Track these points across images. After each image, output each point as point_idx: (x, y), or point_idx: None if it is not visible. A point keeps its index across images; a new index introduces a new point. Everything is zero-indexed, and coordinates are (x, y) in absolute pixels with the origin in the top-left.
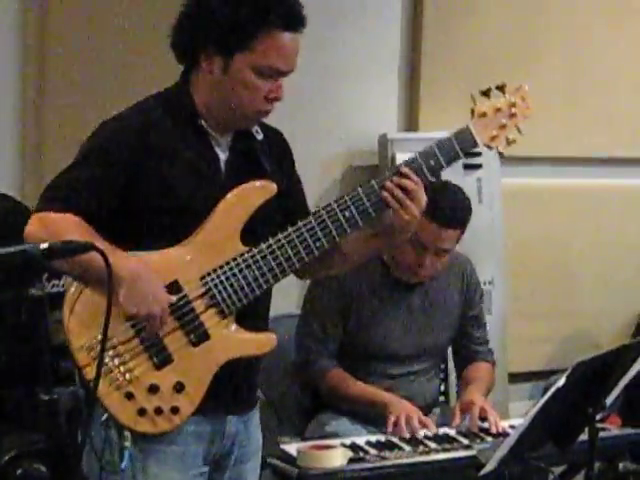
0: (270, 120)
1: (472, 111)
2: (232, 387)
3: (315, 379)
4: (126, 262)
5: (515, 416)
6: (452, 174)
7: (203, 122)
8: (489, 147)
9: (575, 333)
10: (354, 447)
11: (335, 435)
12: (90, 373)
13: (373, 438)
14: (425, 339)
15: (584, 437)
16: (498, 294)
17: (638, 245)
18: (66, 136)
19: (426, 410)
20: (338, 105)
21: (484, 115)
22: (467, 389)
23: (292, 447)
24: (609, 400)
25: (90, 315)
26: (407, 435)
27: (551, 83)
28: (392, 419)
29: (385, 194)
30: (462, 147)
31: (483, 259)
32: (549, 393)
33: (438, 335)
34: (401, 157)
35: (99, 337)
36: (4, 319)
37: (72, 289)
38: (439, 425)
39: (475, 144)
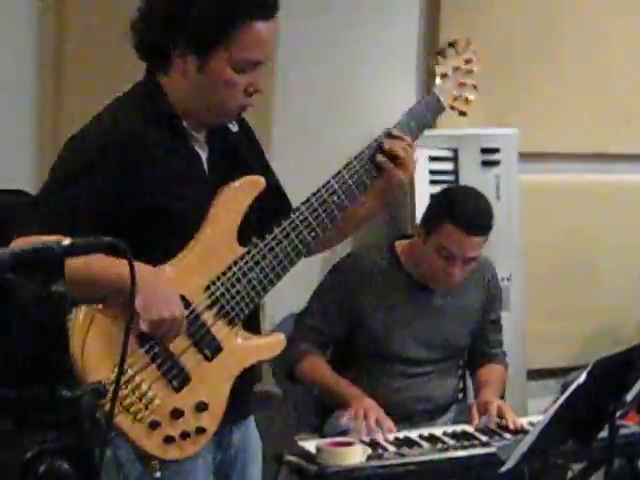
0: (288, 116)
1: (433, 74)
2: (236, 397)
3: (291, 360)
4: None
5: (534, 413)
6: (470, 170)
7: (184, 122)
8: (452, 108)
9: (594, 329)
10: (373, 444)
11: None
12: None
13: (391, 435)
14: (444, 342)
15: (604, 434)
16: (516, 290)
17: None
18: (87, 99)
19: (443, 409)
20: (356, 99)
21: (445, 76)
22: (482, 391)
23: (310, 444)
24: (629, 397)
25: (102, 347)
26: (364, 435)
27: (569, 79)
28: (351, 413)
29: (381, 158)
30: (432, 113)
31: (501, 255)
32: (569, 390)
33: (457, 338)
34: (418, 153)
35: (116, 370)
36: (25, 316)
37: (78, 323)
38: (457, 423)
39: (442, 108)
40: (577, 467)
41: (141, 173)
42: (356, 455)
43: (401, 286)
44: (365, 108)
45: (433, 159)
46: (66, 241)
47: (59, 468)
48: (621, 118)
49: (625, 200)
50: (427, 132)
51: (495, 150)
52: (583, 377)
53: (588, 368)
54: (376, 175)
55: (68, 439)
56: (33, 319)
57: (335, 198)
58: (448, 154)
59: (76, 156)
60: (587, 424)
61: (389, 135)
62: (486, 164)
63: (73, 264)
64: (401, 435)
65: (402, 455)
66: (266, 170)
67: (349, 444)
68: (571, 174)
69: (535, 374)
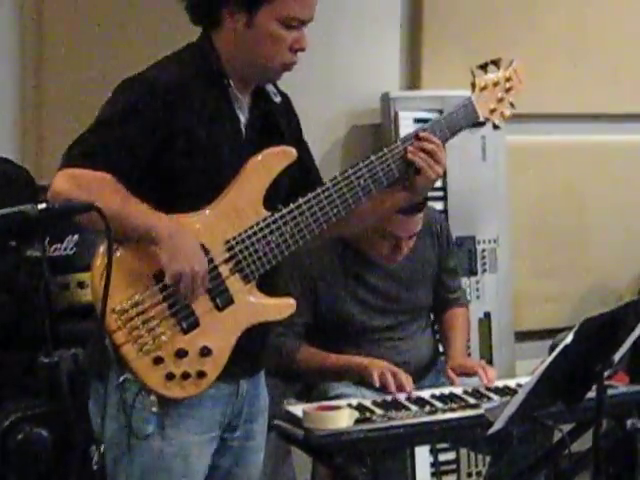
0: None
1: (473, 85)
2: (248, 351)
3: (285, 361)
4: (163, 221)
5: (522, 374)
6: None
7: (231, 82)
8: (488, 120)
9: (581, 290)
10: (360, 408)
11: (341, 397)
12: (120, 338)
13: (379, 399)
14: (407, 304)
15: (592, 395)
16: (503, 252)
17: None
18: (66, 98)
19: (424, 370)
20: (340, 64)
21: (485, 89)
22: (451, 352)
23: (298, 409)
24: (617, 357)
25: (120, 278)
26: (393, 389)
27: (555, 39)
28: (375, 374)
29: (412, 156)
30: (466, 121)
31: (487, 217)
32: (557, 350)
33: (419, 298)
34: (403, 115)
35: (130, 300)
36: (3, 282)
37: (99, 254)
38: (439, 384)
39: (477, 117)
40: (565, 428)
41: (181, 124)
42: (343, 419)
43: (348, 261)
44: (351, 69)
45: (418, 121)
46: (41, 205)
47: (37, 435)
48: (606, 78)
49: (611, 160)
50: (412, 94)
51: None
52: (570, 337)
53: (575, 328)
54: (406, 171)
55: (47, 406)
56: (10, 285)
57: (362, 182)
58: (433, 116)
59: (124, 99)
60: (575, 385)
61: (416, 137)
62: (472, 125)
63: (111, 202)
64: (389, 398)
65: (390, 418)
66: (300, 146)
67: (336, 408)
68: (558, 135)
69: (523, 336)
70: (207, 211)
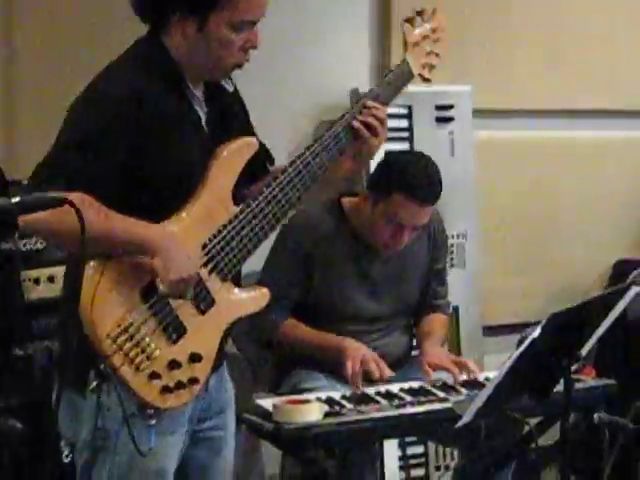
0: (239, 74)
1: (405, 43)
2: (219, 348)
3: (267, 331)
4: (152, 230)
5: (490, 369)
6: (424, 127)
7: (189, 83)
8: (421, 76)
9: (549, 286)
10: (330, 401)
11: (311, 391)
12: (117, 362)
13: (349, 392)
14: (396, 298)
15: (559, 388)
16: (471, 247)
17: (612, 197)
18: (36, 92)
19: (397, 365)
20: (309, 59)
21: (417, 45)
22: (426, 345)
23: (267, 402)
24: (584, 351)
25: (110, 301)
26: (359, 385)
27: (525, 36)
28: (349, 365)
29: (358, 125)
30: (403, 82)
31: (456, 212)
32: (524, 345)
33: (408, 293)
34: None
35: (122, 324)
36: None
37: (88, 278)
38: (412, 379)
39: (412, 76)
40: (533, 421)
41: (150, 136)
42: (313, 412)
43: (349, 245)
44: (320, 64)
45: (387, 116)
46: (15, 198)
47: (12, 427)
48: (575, 74)
49: (580, 156)
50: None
51: (449, 107)
52: (537, 331)
53: (542, 322)
54: (353, 140)
55: (21, 397)
56: None
57: (318, 159)
58: (402, 111)
59: (93, 116)
60: (542, 379)
61: (363, 106)
62: (440, 121)
63: (95, 222)
64: (358, 392)
65: (359, 412)
66: (251, 129)
67: (306, 402)
68: (526, 130)
69: (491, 330)
70: (184, 215)
